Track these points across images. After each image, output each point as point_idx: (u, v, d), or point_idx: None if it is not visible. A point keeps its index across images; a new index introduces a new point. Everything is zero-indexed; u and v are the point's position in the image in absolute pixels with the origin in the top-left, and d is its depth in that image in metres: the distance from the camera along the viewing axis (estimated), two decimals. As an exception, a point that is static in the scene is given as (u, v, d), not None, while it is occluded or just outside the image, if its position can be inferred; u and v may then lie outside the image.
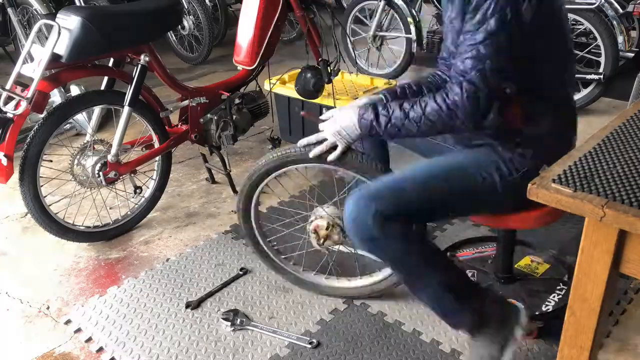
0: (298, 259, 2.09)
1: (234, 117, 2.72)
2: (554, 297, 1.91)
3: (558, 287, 1.95)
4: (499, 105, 1.44)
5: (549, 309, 1.85)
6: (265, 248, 2.04)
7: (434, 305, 1.59)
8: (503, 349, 1.57)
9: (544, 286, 1.95)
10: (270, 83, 3.05)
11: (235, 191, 2.78)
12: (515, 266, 2.03)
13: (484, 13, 1.33)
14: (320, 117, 1.69)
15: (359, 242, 1.50)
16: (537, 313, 1.83)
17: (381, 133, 1.51)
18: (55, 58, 2.04)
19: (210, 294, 2.06)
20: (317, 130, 1.69)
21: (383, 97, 1.65)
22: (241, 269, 2.19)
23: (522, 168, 1.49)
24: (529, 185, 1.04)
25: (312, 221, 1.90)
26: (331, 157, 1.65)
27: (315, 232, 1.88)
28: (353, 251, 2.00)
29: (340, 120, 1.58)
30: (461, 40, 1.40)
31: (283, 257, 2.07)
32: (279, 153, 1.76)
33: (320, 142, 1.66)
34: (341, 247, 1.99)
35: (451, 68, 1.45)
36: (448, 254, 2.11)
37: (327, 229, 1.86)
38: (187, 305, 2.01)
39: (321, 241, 1.87)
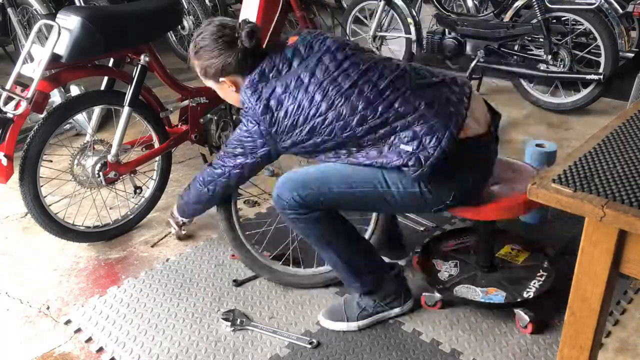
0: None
1: (234, 117, 2.72)
2: (534, 283, 1.94)
3: (538, 274, 1.98)
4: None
5: (530, 295, 1.88)
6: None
7: (335, 268, 1.89)
8: (365, 316, 1.87)
9: (524, 273, 2.00)
10: (270, 83, 3.05)
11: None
12: (497, 255, 2.06)
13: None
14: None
15: (283, 217, 1.79)
16: (519, 300, 1.87)
17: (186, 208, 2.14)
18: (55, 58, 2.04)
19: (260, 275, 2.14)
20: None
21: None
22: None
23: (401, 180, 1.63)
24: (529, 185, 1.04)
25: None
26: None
27: None
28: None
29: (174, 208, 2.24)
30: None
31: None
32: None
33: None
34: None
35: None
36: (431, 244, 2.16)
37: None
38: (235, 282, 2.13)
39: None
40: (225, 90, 1.82)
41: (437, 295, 1.93)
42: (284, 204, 1.72)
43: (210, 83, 1.84)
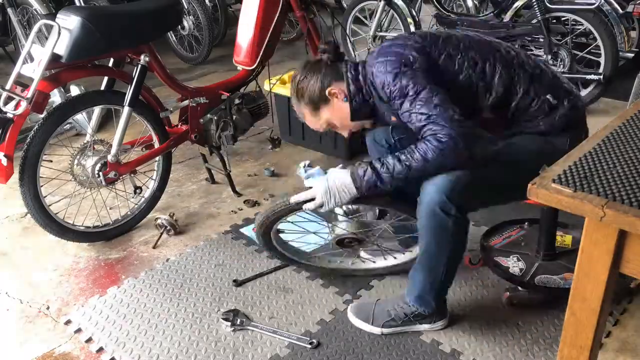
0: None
1: (234, 117, 2.72)
2: None
3: None
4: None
5: None
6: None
7: (422, 286, 1.78)
8: (391, 326, 1.83)
9: None
10: (270, 83, 3.05)
11: (235, 191, 2.78)
12: None
13: (413, 93, 1.61)
14: (306, 175, 1.88)
15: (424, 224, 1.66)
16: None
17: (385, 188, 1.66)
18: (55, 58, 2.04)
19: (260, 275, 2.16)
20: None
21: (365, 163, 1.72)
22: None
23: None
24: (529, 185, 1.05)
25: (336, 236, 2.04)
26: (309, 205, 1.78)
27: (342, 244, 2.05)
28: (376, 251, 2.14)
29: (332, 183, 1.72)
30: (410, 116, 1.63)
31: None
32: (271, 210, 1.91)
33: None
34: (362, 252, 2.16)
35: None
36: (485, 244, 2.16)
37: (352, 242, 2.04)
38: (235, 282, 2.13)
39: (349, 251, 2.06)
40: (339, 107, 1.81)
41: (522, 290, 1.95)
42: (449, 205, 1.60)
43: (324, 113, 1.84)
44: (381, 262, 2.13)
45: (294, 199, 1.81)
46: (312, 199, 1.76)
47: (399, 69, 1.64)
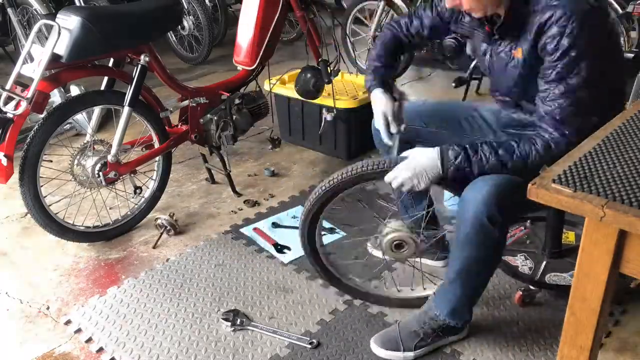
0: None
1: (234, 117, 2.72)
2: None
3: None
4: None
5: None
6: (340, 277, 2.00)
7: (458, 299, 1.70)
8: (422, 346, 1.75)
9: None
10: (270, 83, 3.05)
11: (235, 191, 2.78)
12: None
13: (573, 67, 1.42)
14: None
15: (468, 236, 1.55)
16: None
17: (469, 175, 1.55)
18: (55, 58, 2.04)
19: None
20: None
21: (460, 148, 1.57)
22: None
23: None
24: (529, 185, 1.05)
25: (386, 234, 1.82)
26: (394, 184, 1.61)
27: (394, 246, 1.82)
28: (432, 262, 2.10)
29: (419, 160, 1.58)
30: (547, 88, 1.47)
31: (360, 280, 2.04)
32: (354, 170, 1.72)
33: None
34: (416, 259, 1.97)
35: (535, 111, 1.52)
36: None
37: (404, 244, 1.82)
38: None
39: (399, 253, 1.84)
40: None
41: (535, 289, 1.95)
42: (498, 217, 1.51)
43: None
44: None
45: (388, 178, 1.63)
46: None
47: (586, 51, 1.42)
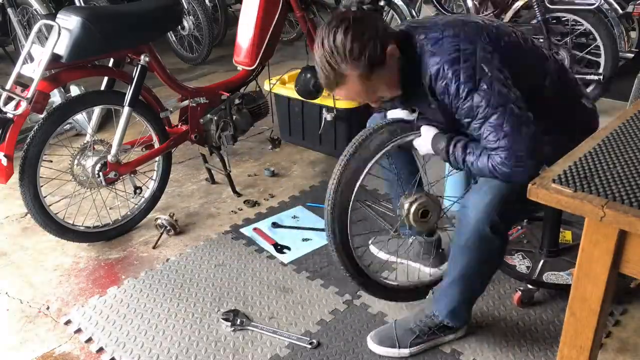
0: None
1: (234, 117, 2.72)
2: None
3: None
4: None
5: None
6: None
7: (458, 302, 1.71)
8: (418, 343, 1.76)
9: None
10: (270, 83, 3.05)
11: (235, 192, 2.78)
12: None
13: (482, 117, 1.47)
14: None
15: (469, 242, 1.57)
16: None
17: (447, 162, 1.65)
18: (55, 58, 2.04)
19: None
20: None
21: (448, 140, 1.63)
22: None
23: None
24: (529, 185, 1.05)
25: (411, 205, 1.82)
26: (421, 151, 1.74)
27: (420, 214, 1.82)
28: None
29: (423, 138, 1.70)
30: (476, 135, 1.52)
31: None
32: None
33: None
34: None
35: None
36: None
37: (429, 212, 1.83)
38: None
39: (427, 222, 1.85)
40: (391, 70, 1.54)
41: (533, 289, 1.95)
42: (499, 224, 1.53)
43: (377, 78, 1.53)
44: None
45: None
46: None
47: (473, 84, 1.46)
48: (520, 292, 1.94)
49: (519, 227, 2.24)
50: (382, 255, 2.21)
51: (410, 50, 1.55)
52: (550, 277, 1.95)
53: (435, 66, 1.49)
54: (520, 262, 2.04)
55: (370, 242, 2.28)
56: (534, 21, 3.53)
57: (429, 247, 2.11)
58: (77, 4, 4.13)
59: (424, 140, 1.69)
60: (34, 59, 2.08)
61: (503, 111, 1.45)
